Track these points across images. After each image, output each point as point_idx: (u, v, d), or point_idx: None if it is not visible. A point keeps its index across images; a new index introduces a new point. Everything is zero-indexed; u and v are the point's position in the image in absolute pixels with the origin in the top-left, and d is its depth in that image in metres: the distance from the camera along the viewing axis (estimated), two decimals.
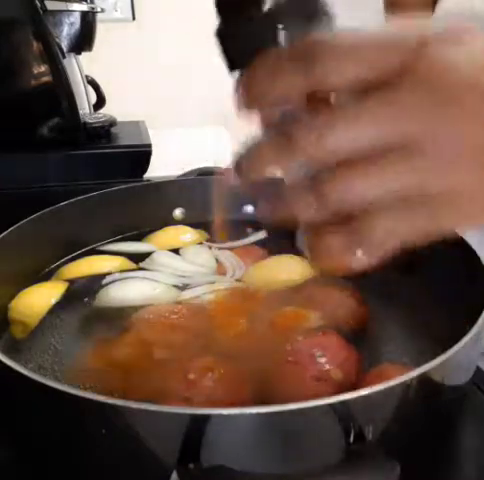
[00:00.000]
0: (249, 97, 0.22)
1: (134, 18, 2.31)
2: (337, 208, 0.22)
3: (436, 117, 0.20)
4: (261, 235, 0.60)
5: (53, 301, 0.47)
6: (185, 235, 0.59)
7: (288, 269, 0.51)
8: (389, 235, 0.23)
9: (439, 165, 0.20)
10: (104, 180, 0.79)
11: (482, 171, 0.20)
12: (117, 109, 1.07)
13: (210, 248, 0.57)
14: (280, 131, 0.22)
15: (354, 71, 0.20)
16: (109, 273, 0.52)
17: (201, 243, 0.59)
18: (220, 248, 0.57)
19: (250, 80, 0.22)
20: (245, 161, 0.24)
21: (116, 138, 0.91)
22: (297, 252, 0.53)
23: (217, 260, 0.55)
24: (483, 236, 0.55)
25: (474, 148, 0.20)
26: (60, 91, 0.80)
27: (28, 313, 0.44)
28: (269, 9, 0.25)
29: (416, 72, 0.20)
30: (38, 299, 0.46)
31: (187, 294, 0.48)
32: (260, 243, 0.59)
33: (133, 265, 0.54)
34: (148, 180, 0.81)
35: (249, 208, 0.64)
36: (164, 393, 0.35)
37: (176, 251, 0.56)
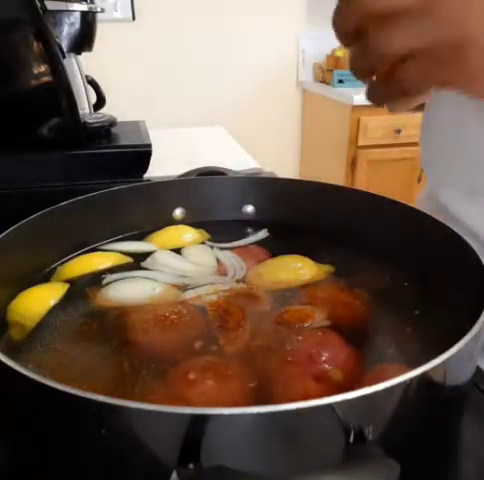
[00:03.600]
0: None
1: (134, 18, 2.32)
2: (381, 56, 0.30)
3: None
4: (261, 235, 0.60)
5: (52, 303, 0.47)
6: (186, 235, 0.60)
7: (290, 269, 0.51)
8: (420, 78, 0.30)
9: (450, 20, 0.28)
10: (104, 180, 0.79)
11: None
12: (117, 109, 1.07)
13: (211, 248, 0.57)
14: None
15: None
16: (107, 270, 0.52)
17: (202, 243, 0.59)
18: (221, 248, 0.57)
19: None
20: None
21: (116, 138, 0.91)
22: (298, 252, 0.53)
23: (218, 260, 0.55)
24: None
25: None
26: (60, 91, 0.80)
27: (27, 315, 0.44)
28: None
29: None
30: (37, 301, 0.46)
31: (189, 294, 0.48)
32: (260, 243, 0.59)
33: (129, 259, 0.55)
34: (148, 180, 0.81)
35: (249, 208, 0.64)
36: (164, 393, 0.35)
37: (177, 251, 0.57)
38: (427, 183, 0.69)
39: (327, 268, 0.52)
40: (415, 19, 0.28)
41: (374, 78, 0.33)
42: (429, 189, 0.67)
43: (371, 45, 0.30)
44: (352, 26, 0.31)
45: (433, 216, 0.49)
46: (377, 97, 0.33)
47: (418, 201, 0.70)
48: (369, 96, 0.34)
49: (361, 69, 0.33)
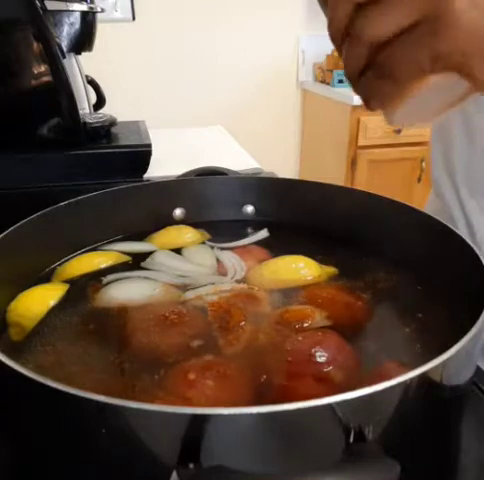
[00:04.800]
0: None
1: (134, 18, 2.31)
2: (369, 44, 0.29)
3: None
4: (261, 235, 0.60)
5: (52, 303, 0.47)
6: (186, 235, 0.60)
7: (292, 270, 0.51)
8: (409, 62, 0.29)
9: None
10: (104, 180, 0.79)
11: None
12: (117, 109, 1.07)
13: (212, 248, 0.57)
14: None
15: None
16: (107, 269, 0.52)
17: (203, 243, 0.59)
18: (221, 248, 0.57)
19: None
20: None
21: (116, 138, 0.91)
22: (298, 252, 0.53)
23: (218, 260, 0.55)
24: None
25: None
26: (60, 91, 0.80)
27: (26, 315, 0.44)
28: None
29: None
30: (37, 301, 0.46)
31: (190, 294, 0.48)
32: (261, 243, 0.59)
33: (128, 258, 0.55)
34: (148, 180, 0.81)
35: (249, 208, 0.64)
36: (164, 393, 0.35)
37: (177, 251, 0.57)
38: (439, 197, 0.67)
39: (331, 270, 0.51)
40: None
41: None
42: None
43: (358, 33, 0.29)
44: (342, 25, 0.30)
45: (433, 216, 0.49)
46: (366, 90, 0.32)
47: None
48: (357, 91, 0.32)
49: (353, 67, 0.32)
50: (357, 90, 0.33)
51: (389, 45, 0.29)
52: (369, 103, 0.32)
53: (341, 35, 0.31)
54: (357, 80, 0.32)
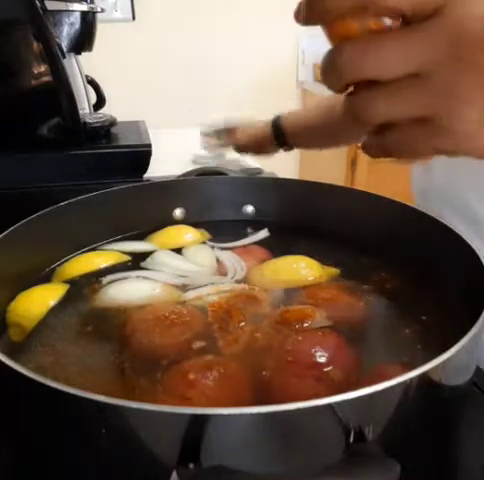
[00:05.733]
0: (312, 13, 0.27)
1: (134, 18, 2.31)
2: (364, 121, 0.28)
3: (450, 56, 0.24)
4: (262, 235, 0.60)
5: (52, 303, 0.47)
6: (186, 235, 0.60)
7: (293, 270, 0.51)
8: (410, 148, 0.28)
9: (445, 93, 0.25)
10: (104, 180, 0.79)
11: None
12: (117, 109, 1.07)
13: (212, 248, 0.57)
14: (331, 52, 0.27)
15: (396, 2, 0.25)
16: (107, 269, 0.52)
17: (203, 243, 0.59)
18: (221, 248, 0.57)
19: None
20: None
21: (116, 138, 0.91)
22: (298, 252, 0.53)
23: (218, 260, 0.55)
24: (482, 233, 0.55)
25: (473, 89, 0.25)
26: (60, 91, 0.80)
27: (26, 316, 0.44)
28: None
29: (444, 16, 0.24)
30: (36, 302, 0.46)
31: (190, 295, 0.48)
32: (261, 243, 0.59)
33: (128, 258, 0.55)
34: (148, 180, 0.81)
35: (249, 208, 0.64)
36: (164, 393, 0.35)
37: (178, 251, 0.57)
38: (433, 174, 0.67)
39: (332, 270, 0.51)
40: (406, 87, 0.26)
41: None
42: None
43: (356, 110, 0.28)
44: (337, 85, 0.28)
45: (433, 216, 0.49)
46: (370, 153, 0.31)
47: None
48: (363, 148, 0.31)
49: (351, 124, 0.30)
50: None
51: (391, 130, 0.28)
52: (370, 157, 0.32)
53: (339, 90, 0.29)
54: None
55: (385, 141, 0.29)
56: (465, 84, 0.25)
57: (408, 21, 0.25)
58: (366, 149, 0.31)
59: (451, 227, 0.45)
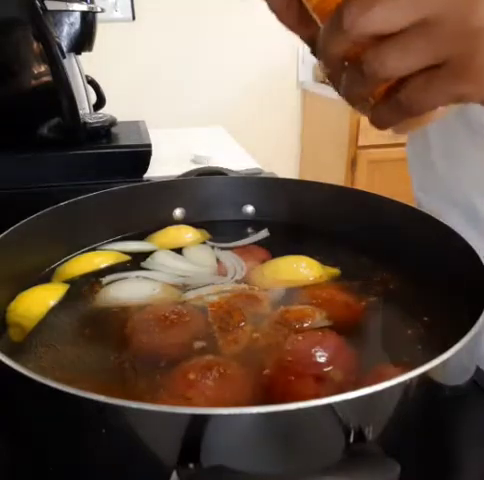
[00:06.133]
0: None
1: (134, 18, 2.31)
2: (377, 81, 0.28)
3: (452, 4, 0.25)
4: (262, 235, 0.60)
5: (52, 303, 0.46)
6: (186, 235, 0.60)
7: (293, 270, 0.51)
8: (429, 97, 0.28)
9: (459, 31, 0.25)
10: (104, 180, 0.79)
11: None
12: (117, 109, 1.07)
13: (213, 248, 0.57)
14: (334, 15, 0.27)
15: None
16: (107, 269, 0.52)
17: (203, 243, 0.59)
18: (221, 248, 0.57)
19: None
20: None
21: (116, 138, 0.91)
22: (298, 252, 0.53)
23: (218, 260, 0.55)
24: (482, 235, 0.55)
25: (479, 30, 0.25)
26: (60, 91, 0.81)
27: (26, 316, 0.44)
28: None
29: None
30: (36, 302, 0.46)
31: (190, 295, 0.48)
32: (261, 243, 0.59)
33: (128, 258, 0.55)
34: (148, 180, 0.81)
35: (249, 208, 0.64)
36: (164, 393, 0.35)
37: (178, 251, 0.57)
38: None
39: (333, 271, 0.51)
40: (416, 37, 0.26)
41: (372, 101, 0.30)
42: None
43: (365, 71, 0.27)
44: (341, 53, 0.28)
45: (434, 216, 0.49)
46: (381, 121, 0.30)
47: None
48: (372, 121, 0.31)
49: (355, 96, 0.30)
50: (359, 110, 0.32)
51: (406, 83, 0.28)
52: (379, 127, 0.31)
53: (337, 64, 0.29)
54: (359, 104, 0.31)
55: (400, 98, 0.28)
56: (476, 17, 0.25)
57: None
58: (377, 119, 0.30)
59: (451, 227, 0.45)
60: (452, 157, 0.60)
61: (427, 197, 0.65)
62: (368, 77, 0.27)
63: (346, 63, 0.29)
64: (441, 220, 0.47)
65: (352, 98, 0.31)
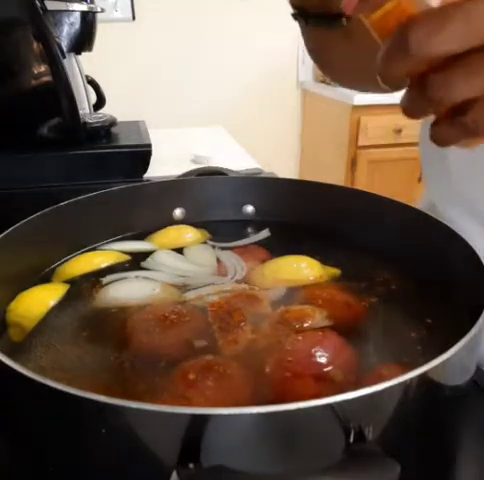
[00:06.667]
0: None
1: (134, 18, 2.31)
2: (441, 103, 0.27)
3: None
4: (262, 235, 0.60)
5: (52, 303, 0.47)
6: (186, 235, 0.60)
7: (294, 270, 0.51)
8: None
9: None
10: (104, 180, 0.80)
11: None
12: (117, 109, 1.08)
13: (213, 248, 0.57)
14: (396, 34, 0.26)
15: None
16: (107, 269, 0.52)
17: (203, 243, 0.59)
18: (222, 248, 0.57)
19: None
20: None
21: (116, 138, 0.91)
22: (298, 252, 0.53)
23: (218, 260, 0.55)
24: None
25: None
26: (60, 91, 0.81)
27: (26, 316, 0.44)
28: None
29: None
30: (36, 302, 0.46)
31: (190, 295, 0.48)
32: (261, 243, 0.59)
33: (128, 258, 0.55)
34: (148, 180, 0.81)
35: (249, 208, 0.64)
36: (164, 393, 0.35)
37: (178, 251, 0.57)
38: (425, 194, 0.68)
39: (333, 271, 0.51)
40: (481, 60, 0.25)
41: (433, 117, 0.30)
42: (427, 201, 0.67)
43: (429, 94, 0.27)
44: (403, 73, 0.27)
45: (434, 216, 0.49)
46: (443, 140, 0.30)
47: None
48: (433, 138, 0.30)
49: (417, 114, 0.29)
50: (429, 132, 0.31)
51: (473, 104, 0.27)
52: (440, 145, 0.30)
53: (399, 81, 0.28)
54: (419, 119, 0.31)
55: (466, 121, 0.27)
56: None
57: None
58: (438, 138, 0.29)
59: (452, 227, 0.45)
60: (470, 165, 0.59)
61: (441, 204, 0.64)
62: (433, 100, 0.27)
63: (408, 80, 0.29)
64: (454, 228, 0.47)
65: (413, 115, 0.30)
